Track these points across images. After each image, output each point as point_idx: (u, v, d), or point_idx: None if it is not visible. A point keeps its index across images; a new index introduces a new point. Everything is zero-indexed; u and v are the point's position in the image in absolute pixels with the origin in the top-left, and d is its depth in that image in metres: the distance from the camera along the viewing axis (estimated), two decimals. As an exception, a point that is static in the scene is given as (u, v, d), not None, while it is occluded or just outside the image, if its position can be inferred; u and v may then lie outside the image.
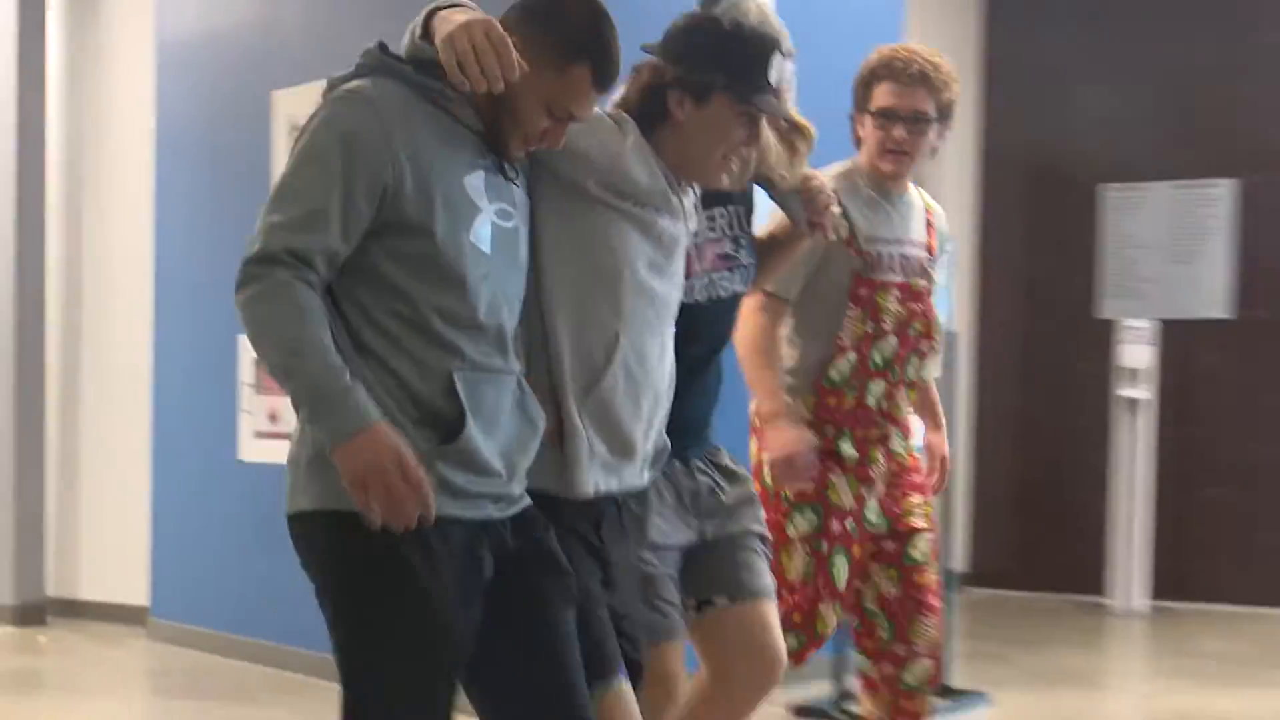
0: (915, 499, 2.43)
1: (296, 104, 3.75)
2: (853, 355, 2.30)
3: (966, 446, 4.71)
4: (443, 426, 1.38)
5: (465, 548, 1.37)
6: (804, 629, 2.29)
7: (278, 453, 3.61)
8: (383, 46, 1.42)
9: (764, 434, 2.22)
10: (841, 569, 2.33)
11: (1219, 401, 4.00)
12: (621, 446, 1.59)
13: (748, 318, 2.10)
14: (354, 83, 1.40)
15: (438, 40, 1.33)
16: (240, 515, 3.82)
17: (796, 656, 2.23)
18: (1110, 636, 4.90)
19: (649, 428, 1.62)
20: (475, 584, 1.37)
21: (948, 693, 3.34)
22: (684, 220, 1.63)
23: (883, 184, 2.31)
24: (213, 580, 3.94)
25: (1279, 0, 4.73)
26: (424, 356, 1.42)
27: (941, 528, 2.87)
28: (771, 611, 1.93)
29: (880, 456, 2.35)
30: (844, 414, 2.34)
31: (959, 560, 4.92)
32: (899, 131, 2.25)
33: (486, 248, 1.39)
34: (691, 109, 1.59)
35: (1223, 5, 4.72)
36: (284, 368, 1.35)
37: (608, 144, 1.52)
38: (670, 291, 1.63)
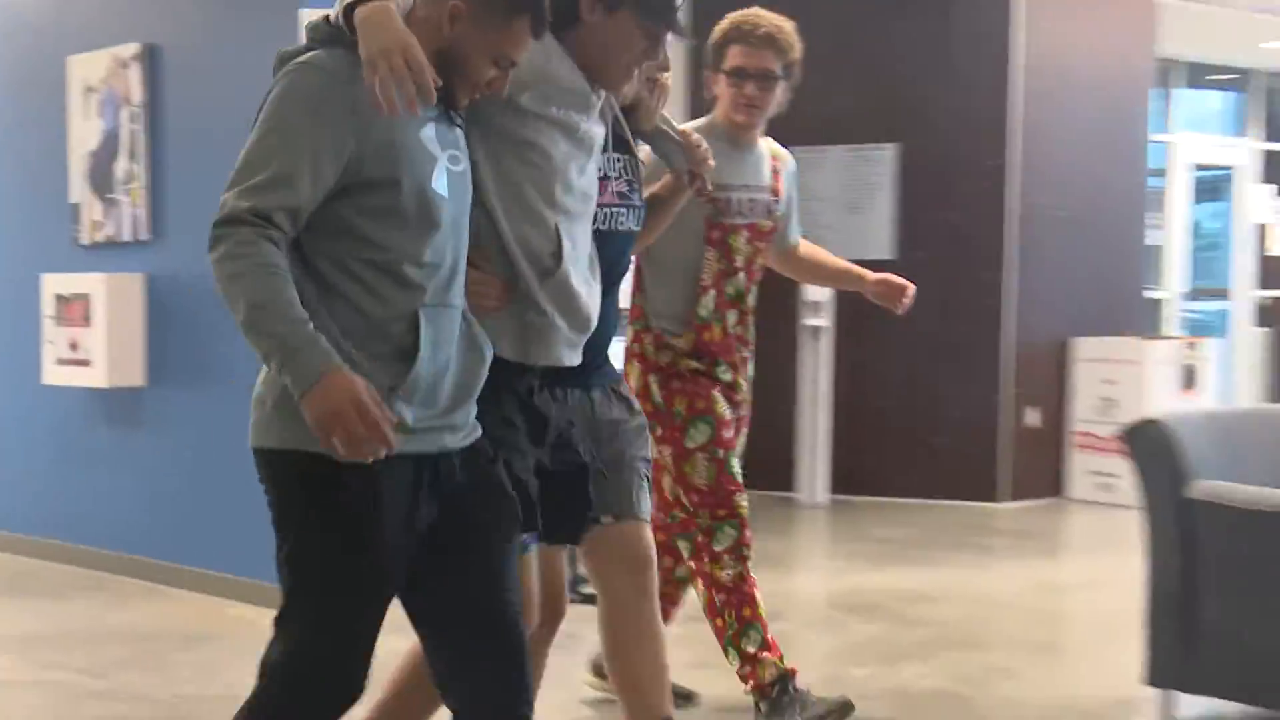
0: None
1: (91, 69, 4.00)
2: (713, 292, 2.50)
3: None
4: (407, 360, 1.41)
5: (412, 483, 1.39)
6: (731, 518, 2.48)
7: (78, 378, 4.09)
8: (327, 19, 1.46)
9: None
10: (736, 466, 2.55)
11: (885, 327, 4.83)
12: (582, 323, 1.71)
13: None
14: (308, 55, 1.43)
15: (361, 49, 1.33)
16: (44, 433, 4.25)
17: (740, 542, 2.47)
18: (798, 525, 5.42)
19: (595, 306, 1.74)
20: (417, 517, 1.40)
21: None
22: (600, 119, 1.73)
23: (736, 136, 2.47)
24: (19, 490, 4.31)
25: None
26: (392, 297, 1.45)
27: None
28: (648, 532, 1.98)
29: (744, 383, 2.61)
30: (716, 345, 2.55)
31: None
32: (750, 88, 2.41)
33: (445, 193, 1.41)
34: (601, 15, 1.66)
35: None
36: (250, 321, 1.36)
37: (532, 56, 1.55)
38: (590, 187, 1.73)
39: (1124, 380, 5.83)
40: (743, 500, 2.52)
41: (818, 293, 5.18)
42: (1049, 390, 6.02)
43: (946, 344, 5.57)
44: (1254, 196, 8.16)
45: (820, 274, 2.93)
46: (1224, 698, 3.22)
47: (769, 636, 2.51)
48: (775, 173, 2.60)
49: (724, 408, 2.53)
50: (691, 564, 2.54)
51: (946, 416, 5.59)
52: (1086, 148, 6.08)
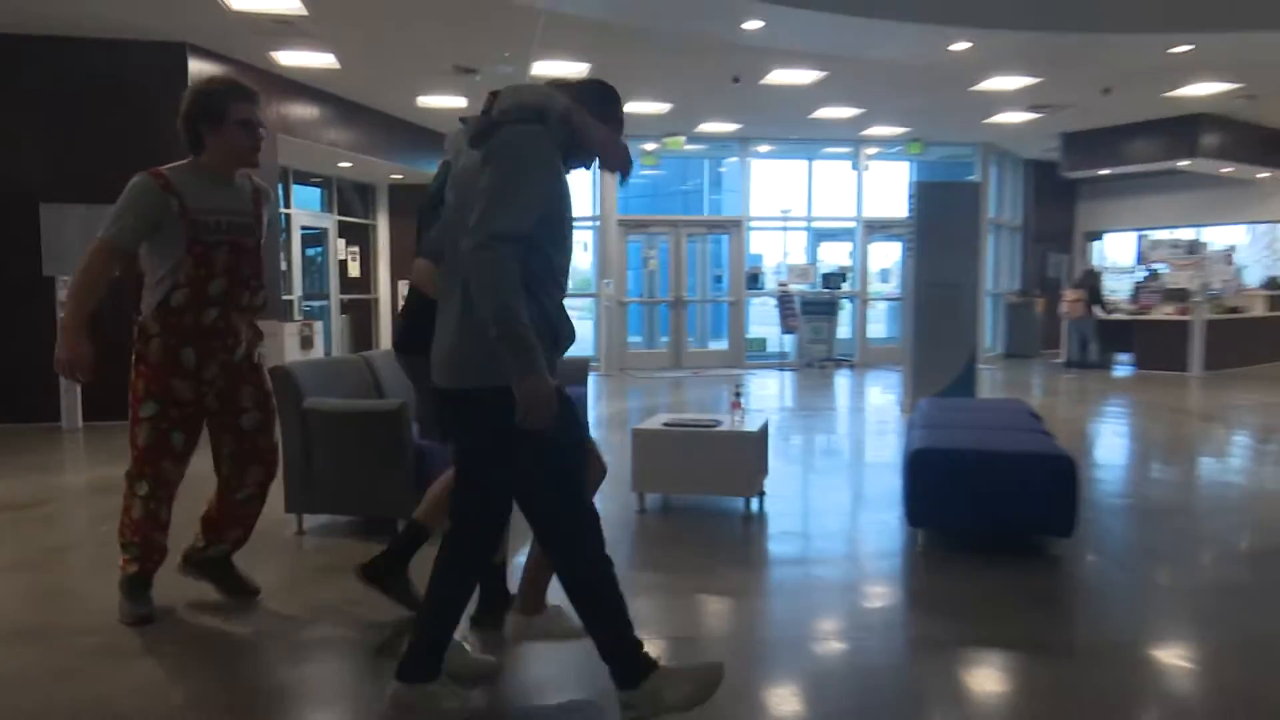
0: (246, 389, 3.17)
1: None
2: (187, 290, 2.92)
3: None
4: (558, 345, 2.21)
5: None
6: (154, 480, 3.08)
7: None
8: (540, 113, 2.17)
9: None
10: (179, 439, 3.07)
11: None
12: None
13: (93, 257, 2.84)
14: (534, 126, 2.14)
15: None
16: None
17: (148, 504, 3.11)
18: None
19: None
20: None
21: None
22: None
23: (222, 173, 2.96)
24: None
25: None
26: (555, 295, 2.17)
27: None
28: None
29: (217, 365, 3.04)
30: (184, 330, 2.97)
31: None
32: (259, 136, 2.96)
33: None
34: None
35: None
36: (497, 318, 2.02)
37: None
38: None
39: (270, 344, 9.05)
40: (172, 468, 3.09)
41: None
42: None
43: None
44: (337, 245, 12.02)
45: None
46: (328, 512, 4.55)
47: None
48: (257, 201, 3.10)
49: (180, 392, 3.00)
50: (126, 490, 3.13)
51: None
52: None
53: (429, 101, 10.42)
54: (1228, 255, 14.39)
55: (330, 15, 7.52)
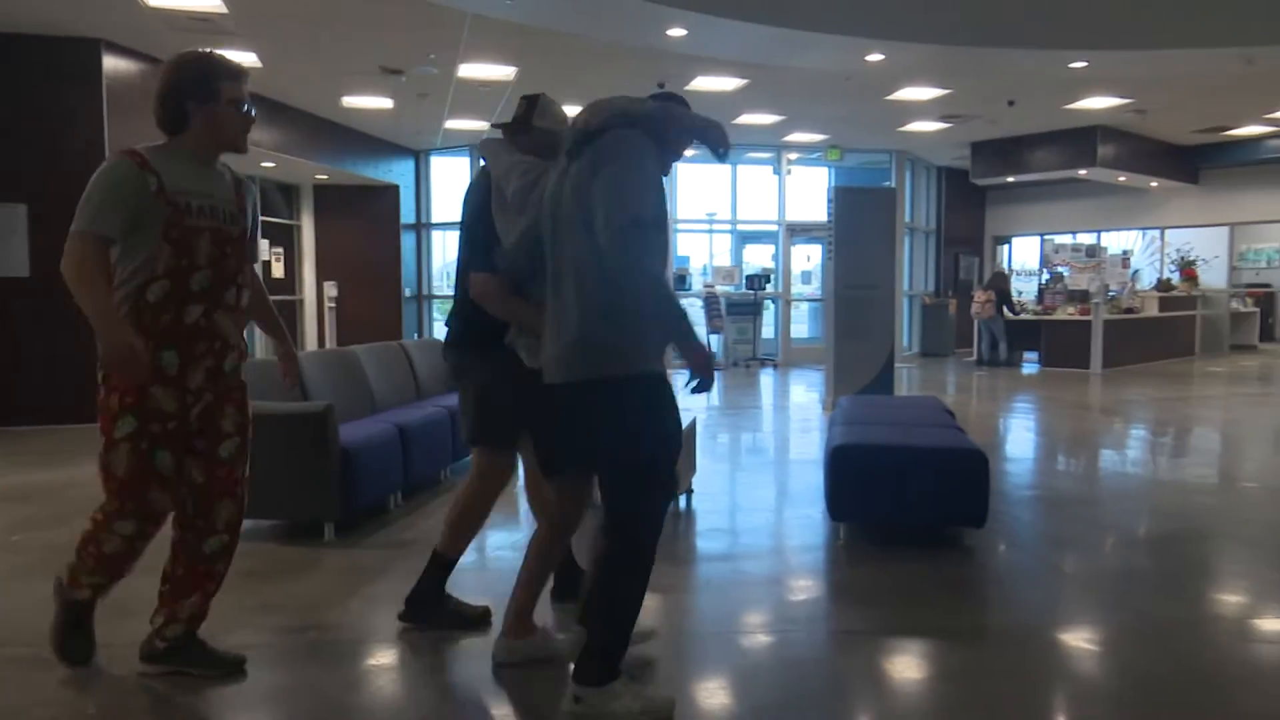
0: (229, 410, 2.64)
1: None
2: (166, 282, 2.47)
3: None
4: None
5: None
6: (140, 515, 2.56)
7: None
8: (633, 118, 2.42)
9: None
10: (165, 459, 2.55)
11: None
12: None
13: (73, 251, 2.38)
14: (633, 130, 2.38)
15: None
16: None
17: (133, 542, 2.60)
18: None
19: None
20: None
21: None
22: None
23: (203, 156, 2.56)
24: None
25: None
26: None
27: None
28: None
29: (203, 372, 2.55)
30: (164, 330, 2.49)
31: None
32: (250, 118, 2.58)
33: None
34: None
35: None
36: (652, 294, 2.25)
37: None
38: None
39: None
40: (161, 497, 2.56)
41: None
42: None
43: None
44: (260, 245, 12.11)
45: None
46: (249, 517, 3.16)
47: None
48: (239, 191, 2.67)
49: (164, 403, 2.50)
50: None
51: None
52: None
53: (354, 102, 10.22)
54: (1124, 259, 15.04)
55: (251, 14, 7.30)
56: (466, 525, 3.12)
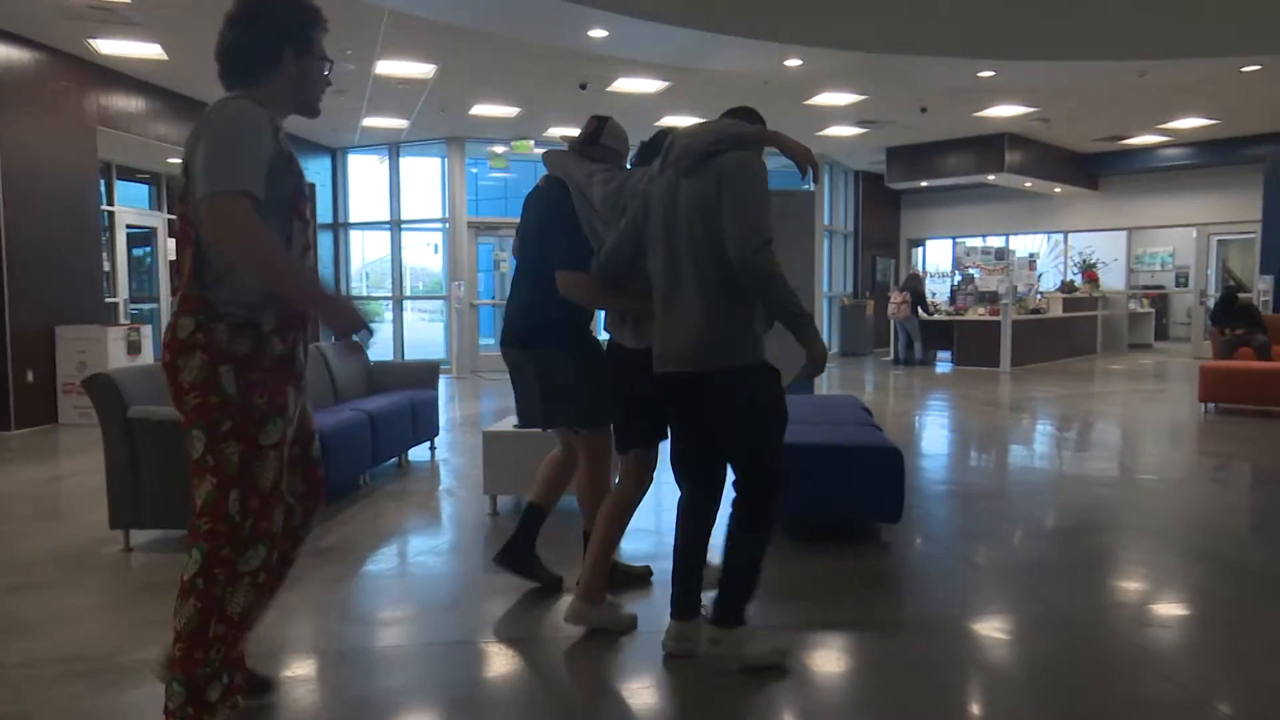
0: (305, 403, 2.36)
1: None
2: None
3: None
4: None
5: None
6: (270, 538, 2.15)
7: None
8: (743, 140, 2.72)
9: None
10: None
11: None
12: None
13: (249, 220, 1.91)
14: (745, 152, 2.68)
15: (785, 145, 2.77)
16: None
17: (265, 566, 2.10)
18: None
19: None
20: None
21: None
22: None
23: (278, 116, 2.16)
24: None
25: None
26: None
27: None
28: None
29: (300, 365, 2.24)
30: (297, 318, 2.15)
31: None
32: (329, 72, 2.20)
33: None
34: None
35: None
36: (788, 302, 2.59)
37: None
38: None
39: (92, 350, 8.15)
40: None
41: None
42: (42, 359, 8.08)
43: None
44: (168, 244, 11.04)
45: None
46: (160, 527, 4.30)
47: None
48: None
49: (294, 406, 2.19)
50: (199, 581, 2.06)
51: None
52: (60, 216, 8.17)
53: (267, 98, 9.88)
54: (1031, 261, 15.62)
55: (156, 3, 7.02)
56: (601, 496, 3.29)
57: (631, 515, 3.19)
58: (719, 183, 2.66)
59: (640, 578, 3.68)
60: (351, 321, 2.08)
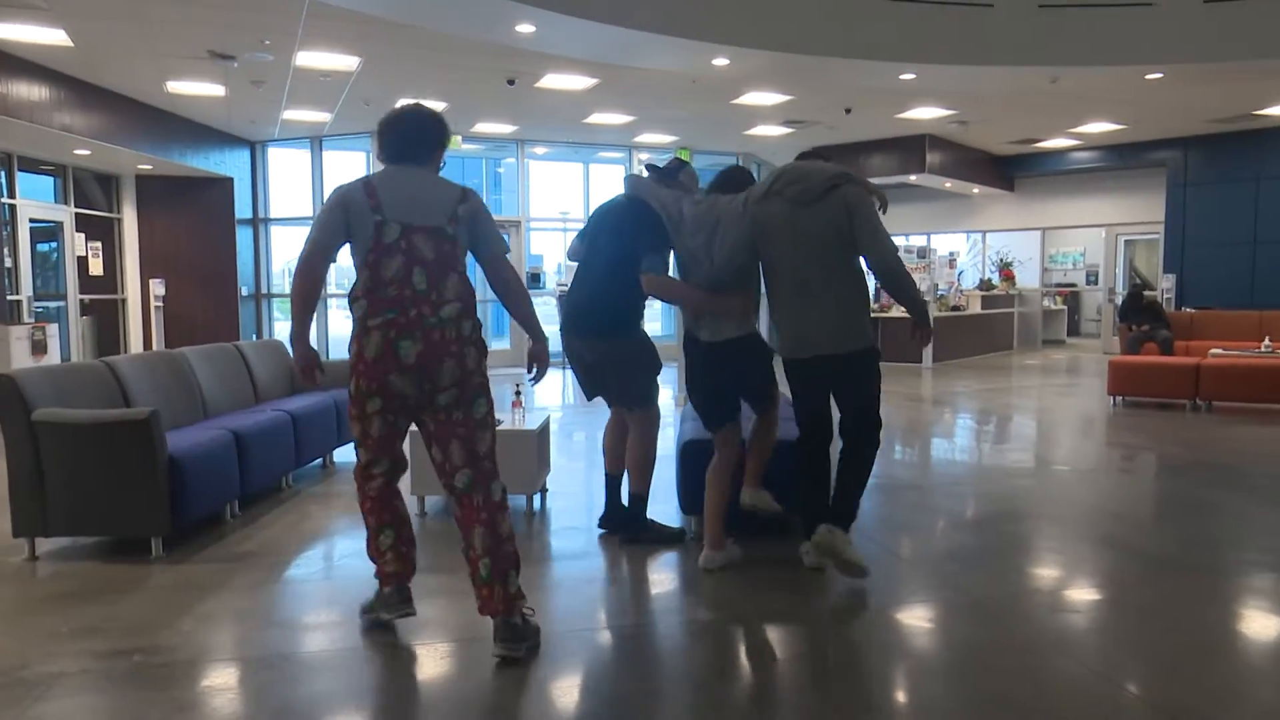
0: None
1: None
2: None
3: None
4: None
5: None
6: None
7: None
8: (849, 176, 3.53)
9: None
10: None
11: None
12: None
13: None
14: (855, 185, 3.47)
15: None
16: None
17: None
18: None
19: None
20: None
21: None
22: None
23: None
24: None
25: None
26: None
27: None
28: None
29: None
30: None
31: None
32: None
33: None
34: None
35: None
36: (920, 298, 3.57)
37: None
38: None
39: None
40: None
41: None
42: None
43: None
44: (75, 240, 10.82)
45: None
46: (66, 534, 4.16)
47: None
48: None
49: None
50: (508, 499, 3.05)
51: None
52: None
53: (181, 87, 9.57)
54: (951, 260, 16.08)
55: (60, -13, 6.71)
56: (650, 464, 4.22)
57: (730, 476, 3.84)
58: (848, 210, 3.44)
59: (674, 538, 4.24)
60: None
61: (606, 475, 4.37)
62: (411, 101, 3.15)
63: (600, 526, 4.38)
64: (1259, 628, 3.31)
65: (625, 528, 4.27)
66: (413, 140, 2.99)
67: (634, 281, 3.83)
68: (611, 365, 4.07)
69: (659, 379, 4.13)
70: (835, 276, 3.48)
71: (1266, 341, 9.21)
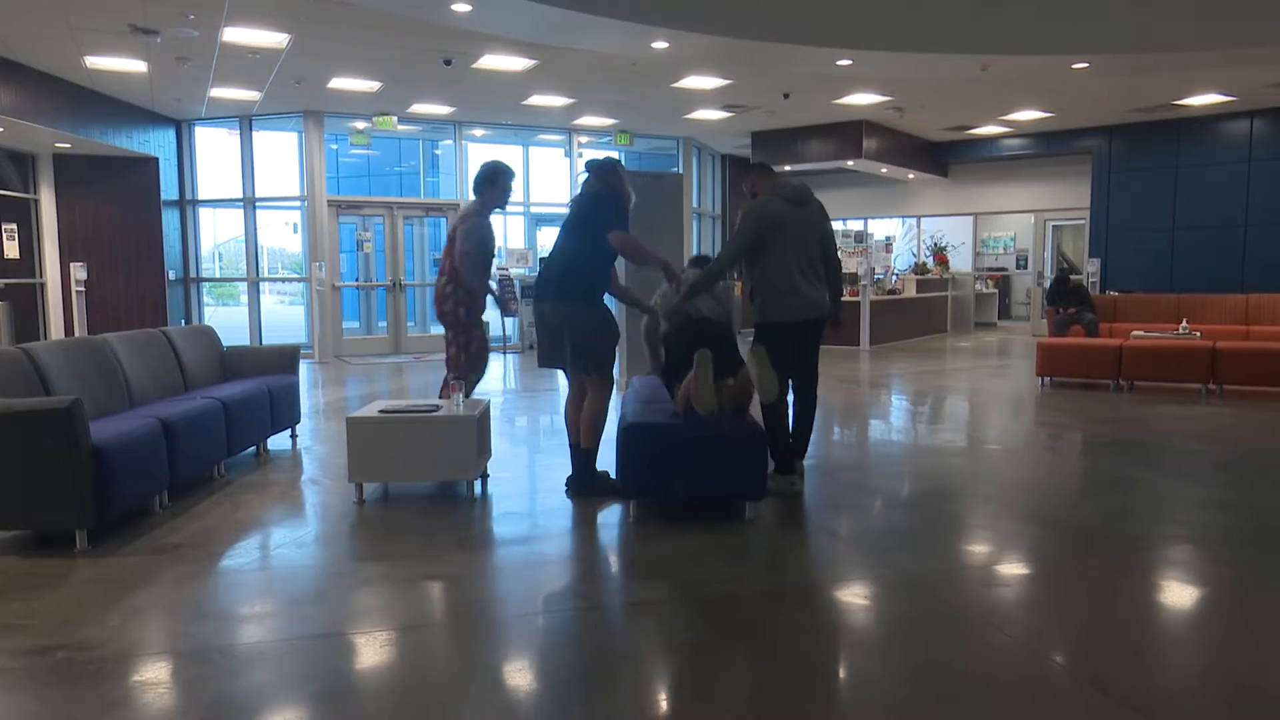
0: None
1: None
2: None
3: None
4: None
5: None
6: None
7: None
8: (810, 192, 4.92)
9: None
10: None
11: None
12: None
13: None
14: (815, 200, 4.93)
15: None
16: None
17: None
18: None
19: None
20: None
21: None
22: None
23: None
24: None
25: None
26: None
27: None
28: None
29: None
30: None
31: None
32: None
33: None
34: None
35: None
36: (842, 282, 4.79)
37: None
38: None
39: None
40: None
41: None
42: None
43: None
44: None
45: None
46: None
47: None
48: None
49: None
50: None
51: None
52: None
53: (100, 62, 9.20)
54: (887, 245, 16.36)
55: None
56: (600, 425, 4.72)
57: (747, 414, 4.50)
58: (823, 215, 4.82)
59: (620, 491, 4.48)
60: None
61: (570, 445, 4.77)
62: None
63: (566, 488, 4.80)
64: (1176, 597, 3.46)
65: (574, 481, 4.71)
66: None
67: (598, 254, 4.50)
68: (570, 327, 4.52)
69: (615, 350, 4.69)
70: (818, 263, 4.81)
71: (1184, 324, 9.58)
